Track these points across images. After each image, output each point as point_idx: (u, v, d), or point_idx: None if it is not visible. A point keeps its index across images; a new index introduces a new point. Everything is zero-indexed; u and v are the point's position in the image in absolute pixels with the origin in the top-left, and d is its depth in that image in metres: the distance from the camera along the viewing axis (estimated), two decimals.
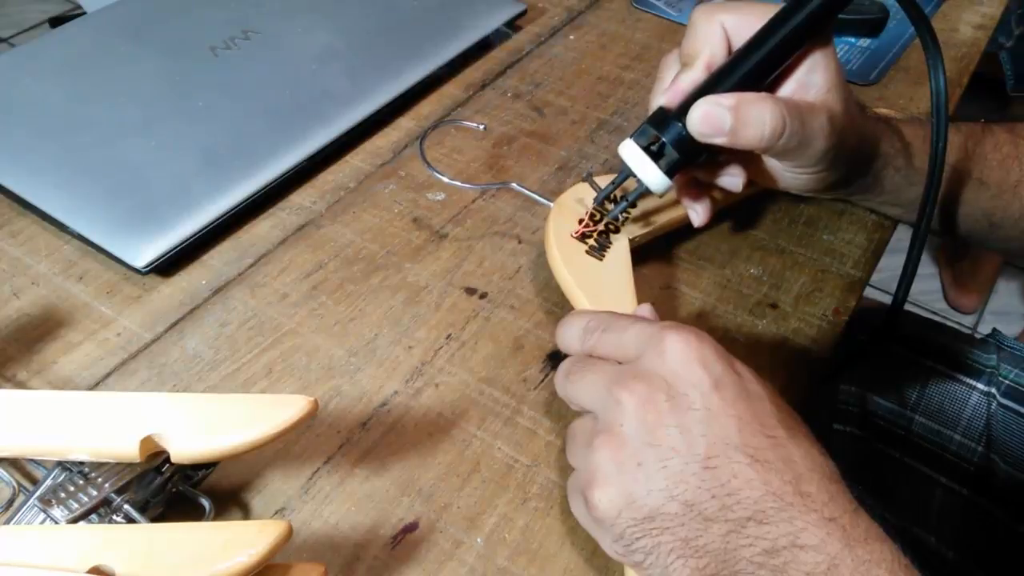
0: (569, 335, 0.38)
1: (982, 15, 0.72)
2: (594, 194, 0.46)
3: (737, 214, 0.52)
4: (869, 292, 1.54)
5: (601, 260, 0.44)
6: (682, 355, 0.32)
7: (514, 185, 0.50)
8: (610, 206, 0.46)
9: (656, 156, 0.42)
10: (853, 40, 0.69)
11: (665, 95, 0.43)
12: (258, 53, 0.60)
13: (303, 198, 0.53)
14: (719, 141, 0.40)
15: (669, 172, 0.42)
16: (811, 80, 0.42)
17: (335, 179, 0.55)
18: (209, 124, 0.54)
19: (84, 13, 0.69)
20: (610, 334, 0.36)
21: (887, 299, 1.54)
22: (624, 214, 0.45)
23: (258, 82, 0.57)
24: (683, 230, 0.50)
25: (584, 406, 0.35)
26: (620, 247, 0.45)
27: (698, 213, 0.46)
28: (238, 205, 0.50)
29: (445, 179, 0.49)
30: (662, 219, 0.48)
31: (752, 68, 0.41)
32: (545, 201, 0.48)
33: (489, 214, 0.52)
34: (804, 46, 0.42)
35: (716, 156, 0.44)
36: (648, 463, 0.31)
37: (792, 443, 0.31)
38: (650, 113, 0.43)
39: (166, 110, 0.55)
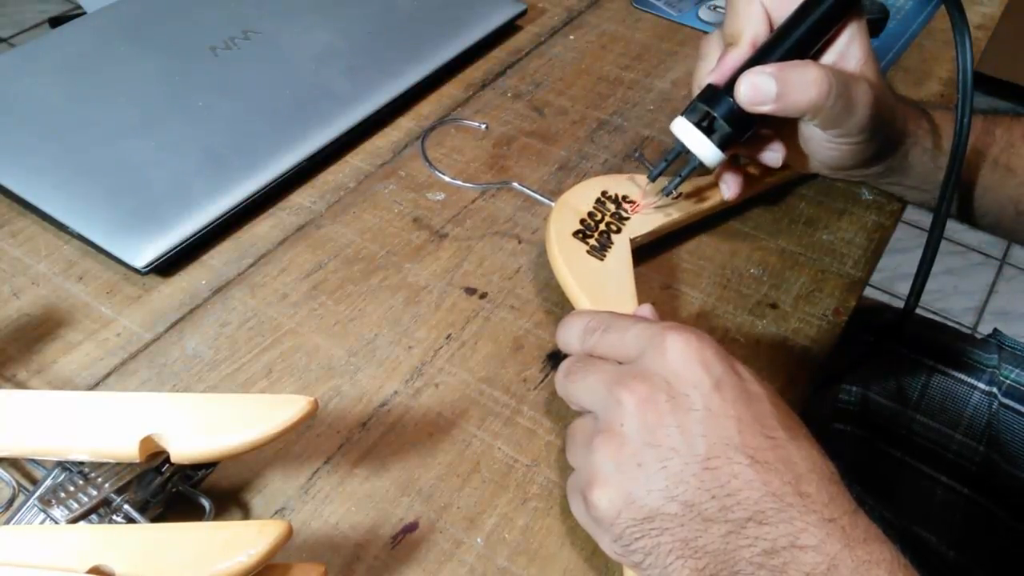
0: (569, 335, 0.38)
1: (982, 15, 0.72)
2: (598, 191, 0.47)
3: (737, 214, 0.52)
4: (869, 292, 1.54)
5: (602, 260, 0.44)
6: (683, 355, 0.32)
7: (515, 184, 0.50)
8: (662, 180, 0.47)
9: (708, 131, 0.44)
10: None
11: (713, 73, 0.44)
12: (258, 53, 0.60)
13: (303, 198, 0.53)
14: (767, 108, 0.41)
15: (722, 146, 0.43)
16: (850, 51, 0.43)
17: (335, 179, 0.55)
18: (209, 124, 0.54)
19: (84, 13, 0.69)
20: (611, 334, 0.36)
21: (887, 299, 1.53)
22: (677, 191, 0.47)
23: (258, 82, 0.57)
24: (683, 230, 0.50)
25: (584, 406, 0.35)
26: (621, 247, 0.45)
27: (729, 187, 0.47)
28: (238, 205, 0.50)
29: (446, 178, 0.49)
30: (664, 219, 0.48)
31: (796, 41, 0.42)
32: (546, 200, 0.48)
33: (489, 214, 0.52)
34: (843, 18, 0.43)
35: (759, 132, 0.45)
36: (648, 463, 0.31)
37: (792, 444, 0.31)
38: (696, 92, 0.45)
39: (166, 110, 0.55)
